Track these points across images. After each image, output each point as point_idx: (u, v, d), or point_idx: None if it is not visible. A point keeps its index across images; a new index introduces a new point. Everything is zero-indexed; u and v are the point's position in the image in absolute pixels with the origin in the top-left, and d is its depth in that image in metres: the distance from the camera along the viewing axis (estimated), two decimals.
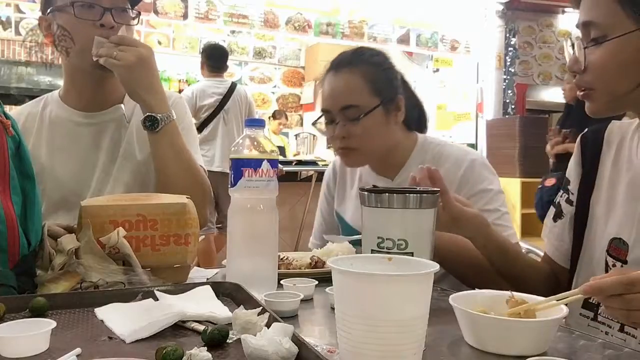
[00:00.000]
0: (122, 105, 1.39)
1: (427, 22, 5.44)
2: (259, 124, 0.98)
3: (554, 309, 0.73)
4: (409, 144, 1.39)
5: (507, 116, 6.08)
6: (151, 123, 1.24)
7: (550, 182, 3.26)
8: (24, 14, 5.90)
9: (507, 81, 6.26)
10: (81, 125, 1.36)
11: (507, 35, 6.35)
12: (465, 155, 1.32)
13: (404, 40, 5.50)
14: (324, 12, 5.15)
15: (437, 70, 7.16)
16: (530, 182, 4.58)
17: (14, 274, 0.88)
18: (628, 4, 0.83)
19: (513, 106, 6.34)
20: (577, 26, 0.92)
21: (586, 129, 1.09)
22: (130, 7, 1.34)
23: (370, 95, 1.29)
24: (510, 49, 6.40)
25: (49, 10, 1.31)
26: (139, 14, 1.37)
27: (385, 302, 0.52)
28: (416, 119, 1.44)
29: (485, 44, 5.58)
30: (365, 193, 0.72)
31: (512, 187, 4.72)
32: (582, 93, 0.94)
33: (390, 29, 5.38)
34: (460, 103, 6.72)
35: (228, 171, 0.98)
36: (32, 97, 1.47)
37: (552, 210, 1.12)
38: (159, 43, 6.49)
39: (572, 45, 0.93)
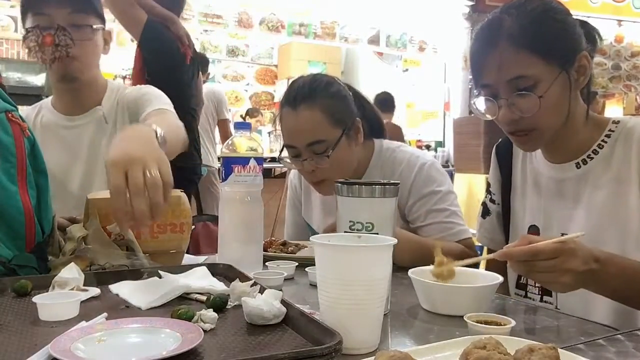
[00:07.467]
0: (101, 107, 1.53)
1: (396, 23, 5.62)
2: (246, 127, 1.12)
3: (491, 276, 0.90)
4: (367, 154, 1.46)
5: (472, 115, 6.30)
6: None
7: None
8: None
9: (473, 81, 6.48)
10: (66, 128, 1.54)
11: (473, 36, 6.56)
12: (417, 159, 1.41)
13: (374, 40, 5.66)
14: (297, 13, 5.27)
15: (407, 70, 7.37)
16: None
17: None
18: (546, 56, 1.00)
19: None
20: (492, 86, 1.04)
21: (499, 140, 1.25)
22: (87, 17, 1.44)
23: (333, 127, 1.34)
24: None
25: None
26: (103, 22, 1.48)
27: (355, 267, 0.67)
28: (372, 128, 1.49)
29: (452, 45, 5.77)
30: (339, 185, 0.87)
31: (477, 183, 4.94)
32: (520, 137, 1.06)
33: (360, 30, 5.55)
34: (428, 102, 6.94)
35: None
36: None
37: (480, 209, 1.30)
38: (132, 41, 6.50)
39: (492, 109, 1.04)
